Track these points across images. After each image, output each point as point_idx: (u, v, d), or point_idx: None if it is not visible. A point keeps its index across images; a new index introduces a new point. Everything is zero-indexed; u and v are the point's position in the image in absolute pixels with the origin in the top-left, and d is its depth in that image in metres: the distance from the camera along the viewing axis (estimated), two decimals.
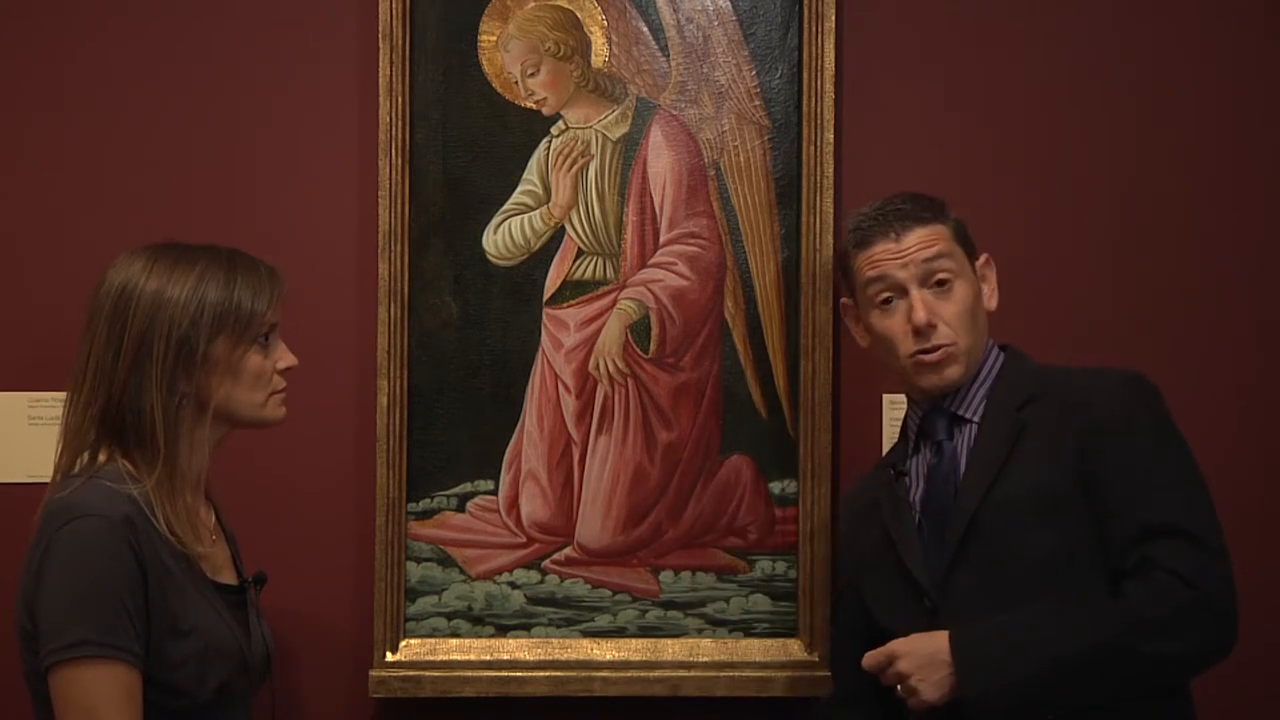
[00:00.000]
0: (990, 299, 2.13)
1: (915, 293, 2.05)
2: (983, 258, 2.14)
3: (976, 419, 2.06)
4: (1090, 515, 1.93)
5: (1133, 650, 1.85)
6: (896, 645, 1.96)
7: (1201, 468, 1.99)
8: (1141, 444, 1.94)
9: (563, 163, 2.54)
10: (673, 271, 2.54)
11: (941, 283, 2.05)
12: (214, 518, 1.98)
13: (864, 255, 2.10)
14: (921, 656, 1.91)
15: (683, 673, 2.48)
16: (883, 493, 2.13)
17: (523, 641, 2.51)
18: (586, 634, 2.52)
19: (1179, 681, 1.95)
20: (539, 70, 2.54)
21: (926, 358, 2.05)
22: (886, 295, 2.08)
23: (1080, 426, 1.95)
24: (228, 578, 1.93)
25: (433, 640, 2.50)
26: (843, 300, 2.23)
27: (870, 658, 1.99)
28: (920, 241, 2.06)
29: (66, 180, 2.52)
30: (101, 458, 1.82)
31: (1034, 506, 1.94)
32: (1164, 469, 1.93)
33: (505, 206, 2.53)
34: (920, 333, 2.04)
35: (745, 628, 2.52)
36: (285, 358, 1.92)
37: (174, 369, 1.80)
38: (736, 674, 2.47)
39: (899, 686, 1.95)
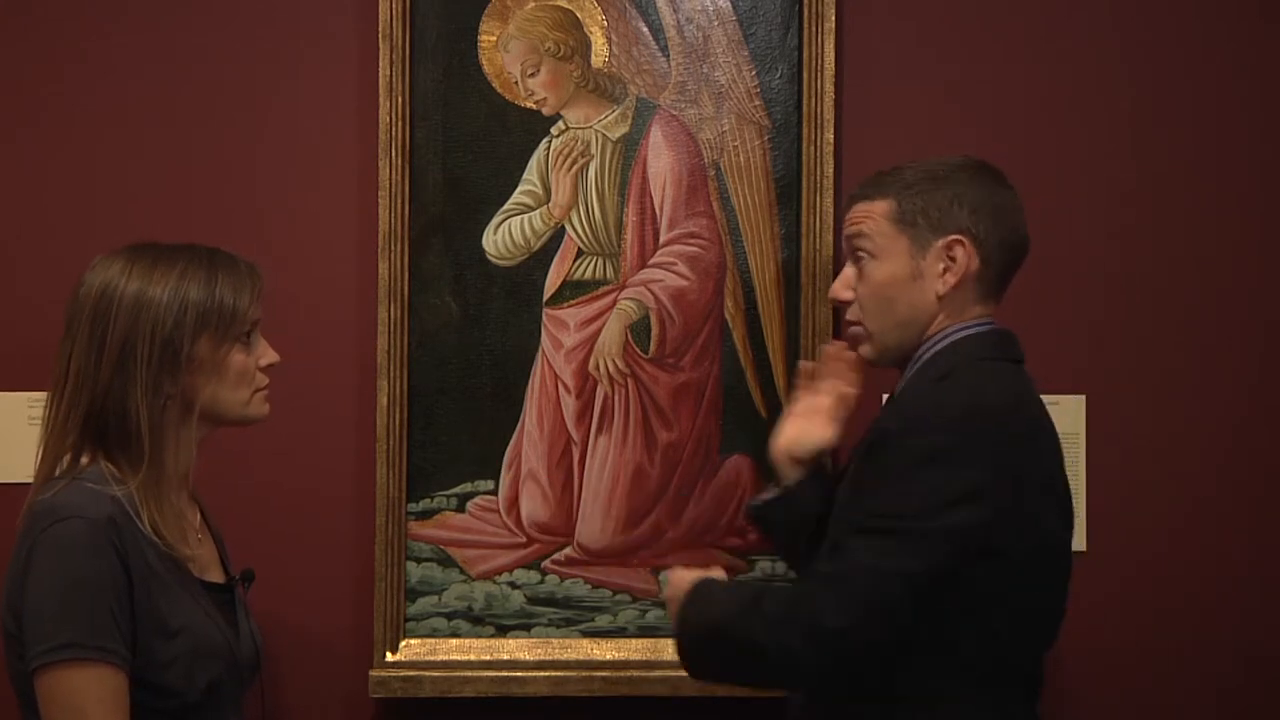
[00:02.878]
0: (938, 283, 1.95)
1: (846, 267, 2.04)
2: (944, 240, 1.95)
3: None
4: None
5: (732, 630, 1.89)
6: (674, 573, 2.06)
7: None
8: (872, 469, 1.88)
9: (563, 163, 2.54)
10: (673, 271, 2.54)
11: (858, 260, 2.01)
12: (199, 516, 1.97)
13: None
14: (674, 588, 2.01)
15: (683, 673, 2.45)
16: None
17: (523, 641, 2.51)
18: (586, 634, 2.52)
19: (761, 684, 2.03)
20: (539, 70, 2.54)
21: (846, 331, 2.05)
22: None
23: (864, 444, 1.94)
24: (215, 576, 1.93)
25: (433, 640, 2.50)
26: None
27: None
28: (853, 216, 2.02)
29: (66, 180, 2.53)
30: (84, 460, 1.82)
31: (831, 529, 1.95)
32: (872, 501, 1.84)
33: (505, 206, 2.53)
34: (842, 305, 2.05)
35: None
36: (268, 354, 1.91)
37: (159, 370, 1.79)
38: None
39: None
